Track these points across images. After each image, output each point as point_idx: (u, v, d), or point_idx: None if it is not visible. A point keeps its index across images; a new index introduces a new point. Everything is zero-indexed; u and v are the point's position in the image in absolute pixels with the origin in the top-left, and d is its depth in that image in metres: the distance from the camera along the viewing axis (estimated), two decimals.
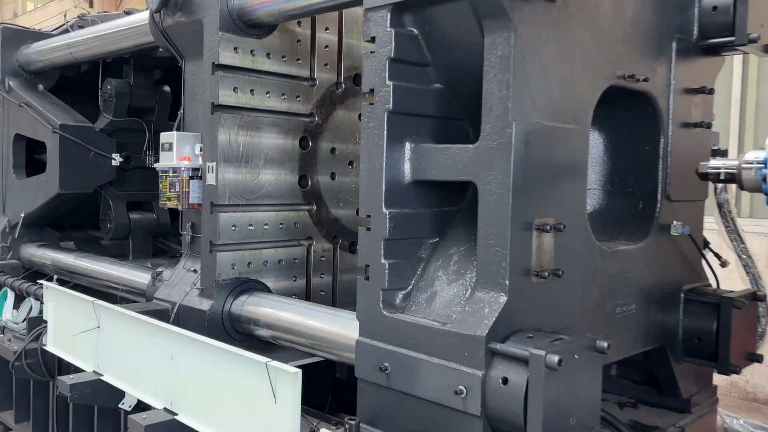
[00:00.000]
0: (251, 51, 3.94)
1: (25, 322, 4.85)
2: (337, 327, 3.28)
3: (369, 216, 2.77)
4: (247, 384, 2.85)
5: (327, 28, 4.33)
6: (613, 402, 3.59)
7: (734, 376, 3.45)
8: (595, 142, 3.39)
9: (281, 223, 4.16)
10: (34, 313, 4.94)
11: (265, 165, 4.05)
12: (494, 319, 2.41)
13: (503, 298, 2.44)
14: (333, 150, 4.45)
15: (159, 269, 4.28)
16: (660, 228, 3.29)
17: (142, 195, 5.95)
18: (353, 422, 2.66)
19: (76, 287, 4.96)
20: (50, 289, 4.39)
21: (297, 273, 4.24)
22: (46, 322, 4.37)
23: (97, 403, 3.79)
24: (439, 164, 2.70)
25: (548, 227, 2.55)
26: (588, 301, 2.85)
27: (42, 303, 4.69)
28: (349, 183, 4.55)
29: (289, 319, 3.54)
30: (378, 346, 2.72)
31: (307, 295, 4.30)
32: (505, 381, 2.33)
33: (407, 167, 2.79)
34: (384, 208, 2.72)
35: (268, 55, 4.02)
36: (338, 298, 4.46)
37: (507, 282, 2.43)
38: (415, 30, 2.78)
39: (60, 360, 4.34)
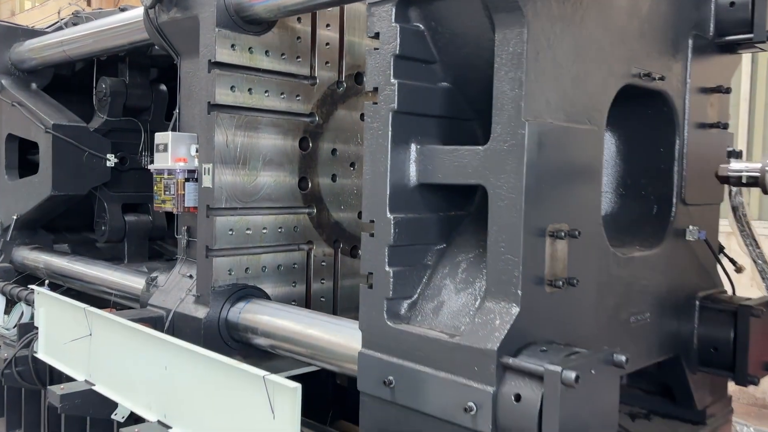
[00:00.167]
0: (249, 48, 3.83)
1: (15, 328, 4.76)
2: (338, 337, 3.17)
3: (372, 221, 2.66)
4: (244, 398, 2.75)
5: (328, 25, 4.23)
6: (625, 413, 3.48)
7: None
8: (607, 144, 3.27)
9: (280, 227, 4.05)
10: (26, 319, 4.88)
11: (264, 167, 3.94)
12: (506, 331, 2.29)
13: (515, 309, 2.32)
14: (334, 151, 4.33)
15: (154, 274, 4.18)
16: (675, 233, 3.18)
17: (137, 197, 5.90)
18: None
19: (69, 291, 4.86)
20: (41, 294, 4.30)
21: (297, 278, 4.13)
22: (37, 328, 4.26)
23: (89, 414, 3.72)
24: (446, 167, 2.58)
25: (562, 233, 2.44)
26: (602, 310, 2.74)
27: (33, 308, 4.59)
28: (351, 185, 4.43)
29: (289, 328, 3.44)
30: (382, 359, 2.60)
31: (307, 301, 4.19)
32: (518, 398, 2.22)
33: (413, 170, 2.67)
34: (388, 213, 2.61)
35: (266, 52, 3.92)
36: (339, 304, 4.36)
37: (519, 292, 2.31)
38: (421, 25, 2.68)
39: (51, 368, 4.23)
